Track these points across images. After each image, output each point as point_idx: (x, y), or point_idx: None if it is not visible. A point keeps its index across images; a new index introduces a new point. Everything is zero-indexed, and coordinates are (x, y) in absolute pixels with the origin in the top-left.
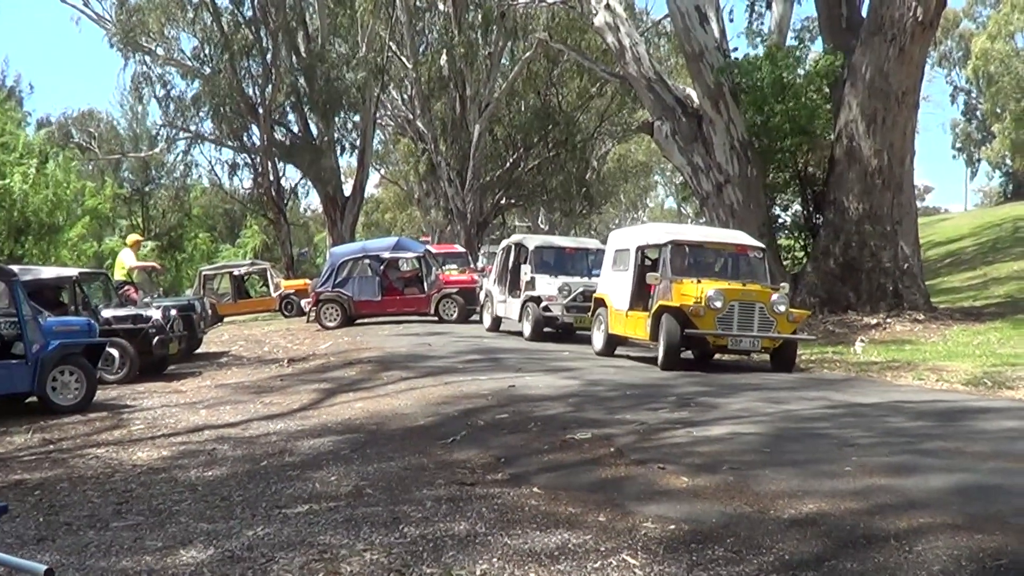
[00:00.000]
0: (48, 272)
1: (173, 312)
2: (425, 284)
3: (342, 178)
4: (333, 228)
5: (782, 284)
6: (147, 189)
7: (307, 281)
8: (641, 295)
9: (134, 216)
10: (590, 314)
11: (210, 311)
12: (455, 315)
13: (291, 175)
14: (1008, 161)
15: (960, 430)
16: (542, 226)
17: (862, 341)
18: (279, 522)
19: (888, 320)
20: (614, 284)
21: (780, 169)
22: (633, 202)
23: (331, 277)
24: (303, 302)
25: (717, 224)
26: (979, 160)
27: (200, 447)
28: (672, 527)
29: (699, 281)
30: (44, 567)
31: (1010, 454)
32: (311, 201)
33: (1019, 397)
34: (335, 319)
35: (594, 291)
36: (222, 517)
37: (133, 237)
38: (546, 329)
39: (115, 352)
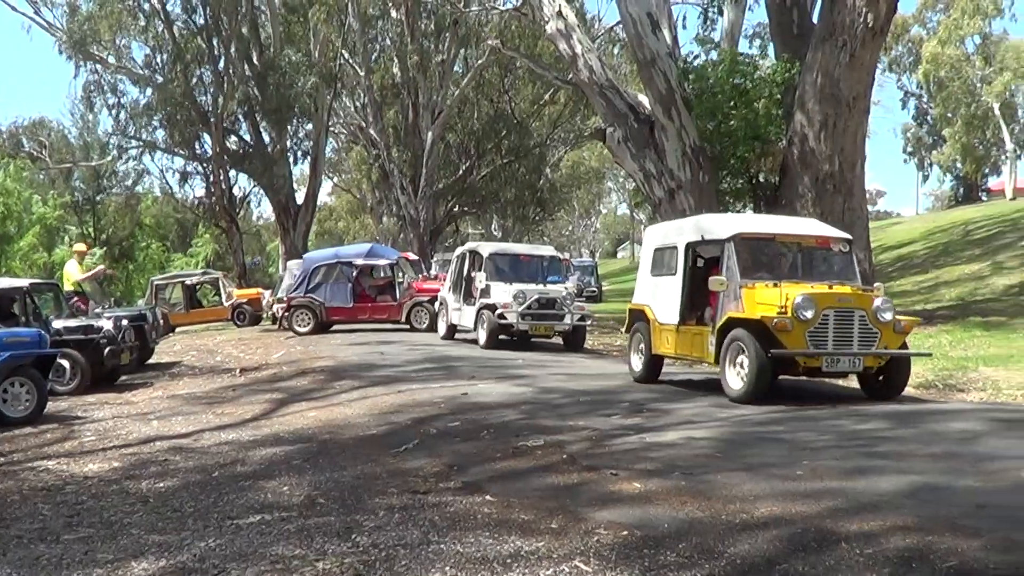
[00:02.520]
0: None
1: (124, 322)
2: (397, 292)
3: (294, 186)
4: (286, 237)
5: (876, 285)
6: (98, 198)
7: (260, 290)
8: (694, 305)
9: (85, 225)
10: (624, 330)
11: (162, 321)
12: (426, 323)
13: (243, 184)
14: (959, 165)
15: (912, 433)
16: (495, 233)
17: None
18: (231, 533)
19: None
20: (656, 292)
21: (733, 175)
22: (586, 208)
23: (304, 282)
24: (275, 307)
25: None
26: (930, 164)
27: (152, 458)
28: (625, 533)
29: (776, 284)
30: None
31: (961, 456)
32: (263, 210)
33: (970, 399)
34: (307, 325)
35: (551, 298)
36: (174, 529)
37: (78, 247)
38: (501, 337)
39: (66, 363)
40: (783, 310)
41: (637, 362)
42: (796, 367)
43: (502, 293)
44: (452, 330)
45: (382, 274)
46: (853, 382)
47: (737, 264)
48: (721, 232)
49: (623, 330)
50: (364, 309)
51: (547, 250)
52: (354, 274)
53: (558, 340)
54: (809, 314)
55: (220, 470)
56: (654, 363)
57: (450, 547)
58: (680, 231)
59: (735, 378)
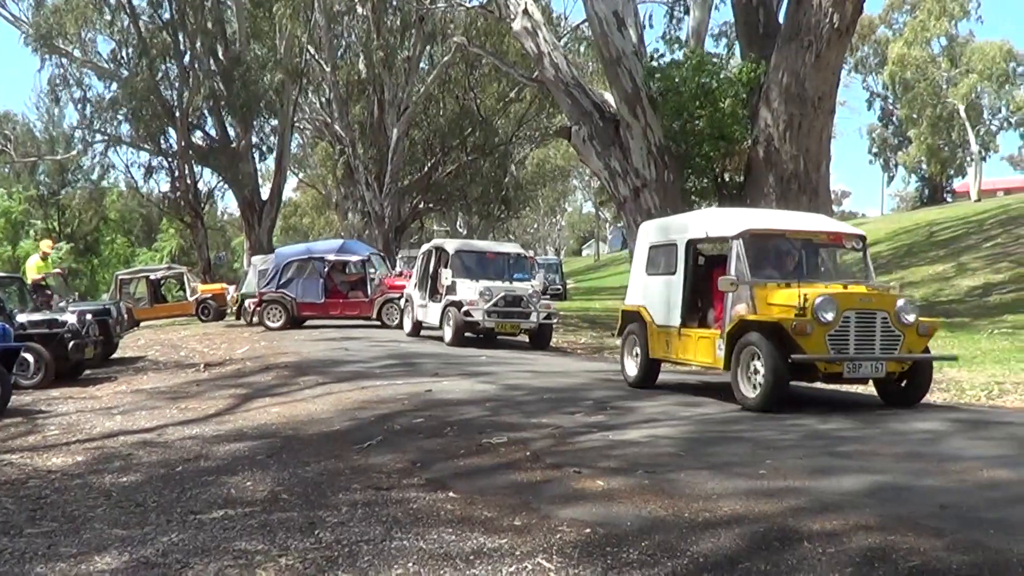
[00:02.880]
0: None
1: (89, 317)
2: (369, 288)
3: (260, 182)
4: (251, 232)
5: (892, 284)
6: (63, 192)
7: (224, 285)
8: (695, 306)
9: (50, 220)
10: (616, 333)
11: (126, 316)
12: (397, 320)
13: (208, 179)
14: (924, 166)
15: (875, 433)
16: (460, 230)
17: None
18: (194, 528)
19: None
20: (653, 292)
21: (698, 174)
22: (552, 206)
23: (275, 278)
24: (248, 302)
25: (635, 229)
26: (896, 165)
27: (115, 453)
28: (587, 530)
29: (788, 285)
30: None
31: (925, 456)
32: (228, 205)
33: (934, 400)
34: (278, 320)
35: (517, 296)
36: (137, 523)
37: (45, 243)
38: (467, 334)
39: (30, 357)
40: (801, 312)
41: (632, 366)
42: (814, 373)
43: (468, 290)
44: (418, 327)
45: (354, 270)
46: (853, 387)
47: (748, 262)
48: (728, 228)
49: (614, 333)
50: (336, 305)
51: (513, 247)
52: (326, 270)
53: (524, 338)
54: (830, 316)
55: (183, 465)
56: (651, 368)
57: (413, 543)
58: (681, 227)
59: (748, 385)
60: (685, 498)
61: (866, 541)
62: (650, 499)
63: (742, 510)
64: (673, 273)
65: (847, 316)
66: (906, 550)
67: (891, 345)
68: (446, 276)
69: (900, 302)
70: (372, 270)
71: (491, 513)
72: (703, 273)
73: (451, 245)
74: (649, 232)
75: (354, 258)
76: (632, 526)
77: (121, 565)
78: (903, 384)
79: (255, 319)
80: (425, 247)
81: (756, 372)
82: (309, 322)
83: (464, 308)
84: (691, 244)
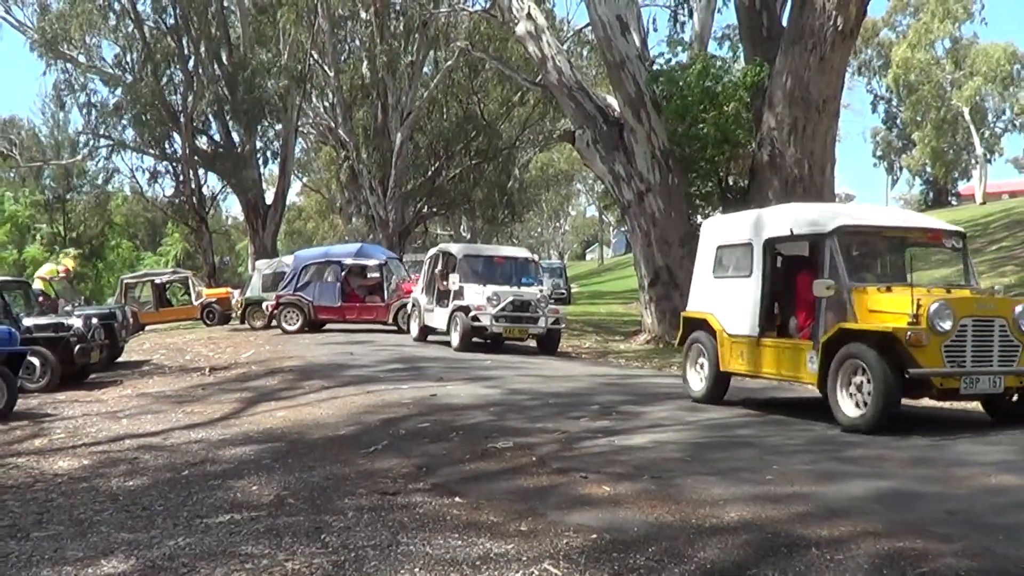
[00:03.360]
0: None
1: (95, 320)
2: (386, 292)
3: (264, 186)
4: (255, 236)
5: (997, 287)
6: (68, 197)
7: (229, 290)
8: (772, 313)
9: (55, 224)
10: (677, 343)
11: (132, 319)
12: None
13: (213, 183)
14: (928, 169)
15: (882, 439)
16: (464, 234)
17: None
18: (200, 532)
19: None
20: (723, 298)
21: (702, 178)
22: (555, 210)
23: (293, 280)
24: (265, 304)
25: (639, 233)
26: (900, 168)
27: (121, 456)
28: (594, 536)
29: (890, 289)
30: None
31: (931, 462)
32: (232, 209)
33: (941, 405)
34: (295, 323)
35: (525, 300)
36: (143, 527)
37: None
38: (474, 339)
39: (36, 361)
40: (915, 320)
41: (697, 380)
42: (926, 390)
43: (476, 295)
44: (425, 332)
45: (372, 274)
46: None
47: (844, 263)
48: (820, 224)
49: (676, 343)
50: (352, 309)
51: (521, 252)
52: (343, 273)
53: (532, 343)
54: (947, 325)
55: (190, 469)
56: (720, 382)
57: (419, 548)
58: (756, 225)
59: (849, 403)
60: (692, 503)
61: (874, 547)
62: (657, 504)
63: (749, 516)
64: (748, 276)
65: (964, 324)
66: (914, 556)
67: (1010, 356)
68: (453, 280)
69: (1018, 308)
70: (390, 274)
71: (497, 518)
72: (781, 276)
73: (458, 249)
74: (716, 230)
75: (371, 262)
76: (639, 532)
77: (128, 569)
78: (1015, 399)
79: (272, 322)
80: (432, 251)
81: (859, 389)
82: (331, 326)
83: (472, 313)
84: (770, 243)
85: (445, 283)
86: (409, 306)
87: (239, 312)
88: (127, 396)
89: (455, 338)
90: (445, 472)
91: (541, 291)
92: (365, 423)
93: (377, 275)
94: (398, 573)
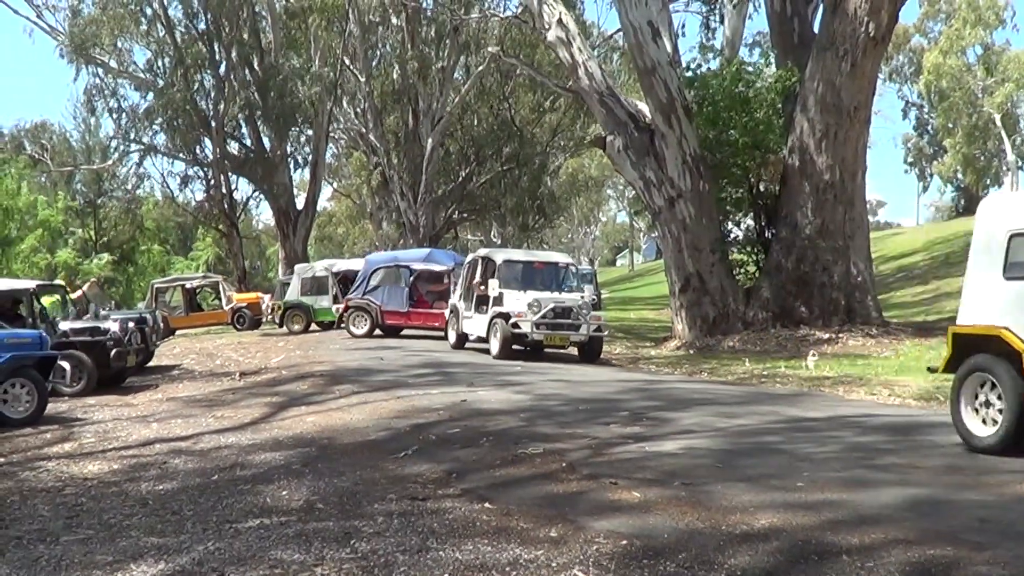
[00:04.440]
0: (6, 284)
1: (131, 325)
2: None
3: (294, 191)
4: (285, 241)
5: None
6: (99, 201)
7: (259, 294)
8: None
9: (87, 228)
10: (942, 367)
11: (162, 324)
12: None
13: (244, 188)
14: (960, 176)
15: (912, 445)
16: (495, 240)
17: (814, 356)
18: (230, 537)
19: (840, 335)
20: None
21: (733, 184)
22: (586, 216)
23: (363, 284)
24: (333, 308)
25: (669, 239)
26: (931, 175)
27: (151, 461)
28: (624, 542)
29: None
30: None
31: (963, 469)
32: (263, 214)
33: None
34: (363, 327)
35: (567, 307)
36: (173, 532)
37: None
38: (514, 346)
39: (66, 365)
40: None
41: (976, 422)
42: None
43: (516, 301)
44: (463, 339)
45: (442, 280)
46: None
47: None
48: None
49: (939, 368)
50: (419, 315)
51: (562, 257)
52: (411, 278)
53: (572, 351)
54: None
55: (219, 473)
56: None
57: (449, 554)
58: None
59: None
60: (722, 510)
61: (905, 555)
62: (687, 511)
63: (779, 523)
64: None
65: None
66: (946, 564)
67: None
68: (493, 286)
69: None
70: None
71: (527, 524)
72: None
73: (498, 255)
74: (1004, 214)
75: (439, 268)
76: (669, 538)
77: (157, 573)
78: None
79: (340, 324)
80: (470, 256)
81: None
82: (393, 332)
83: (512, 320)
84: None
85: (484, 289)
86: (447, 313)
87: (273, 316)
88: (157, 400)
89: (494, 345)
90: (475, 478)
91: (582, 297)
92: (395, 428)
93: (445, 281)
94: None
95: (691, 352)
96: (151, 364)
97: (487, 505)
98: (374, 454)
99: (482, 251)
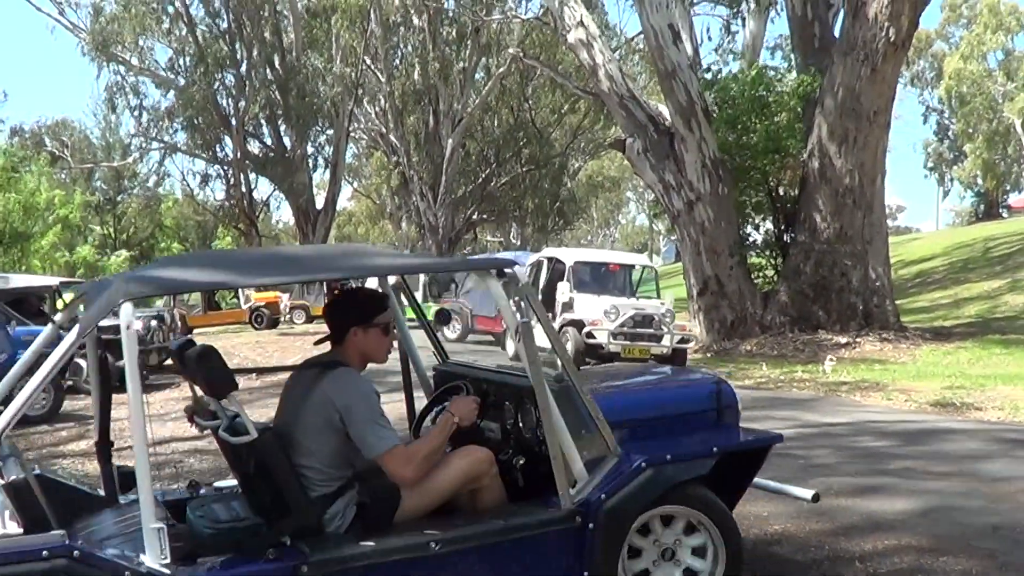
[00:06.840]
0: (30, 281)
1: (154, 323)
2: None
3: (314, 191)
4: (305, 241)
5: None
6: (119, 199)
7: (278, 294)
8: None
9: (106, 226)
10: None
11: (180, 323)
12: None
13: (263, 187)
14: (979, 181)
15: (928, 451)
16: (515, 241)
17: (831, 360)
18: None
19: (858, 339)
20: None
21: (752, 187)
22: (605, 218)
23: (458, 287)
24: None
25: (688, 243)
26: (951, 180)
27: (167, 460)
28: None
29: None
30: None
31: (976, 475)
32: (283, 214)
33: (987, 418)
34: (456, 330)
35: (647, 315)
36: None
37: None
38: (588, 359)
39: (83, 362)
40: None
41: None
42: None
43: (590, 308)
44: None
45: None
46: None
47: None
48: None
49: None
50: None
51: (639, 258)
52: None
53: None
54: None
55: None
56: None
57: None
58: None
59: None
60: (735, 516)
61: (918, 562)
62: None
63: (792, 528)
64: None
65: None
66: (959, 571)
67: None
68: (563, 291)
69: None
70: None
71: None
72: None
73: (568, 255)
74: None
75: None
76: None
77: None
78: None
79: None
80: (535, 257)
81: None
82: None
83: (585, 328)
84: None
85: (554, 294)
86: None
87: (287, 315)
88: (173, 399)
89: None
90: None
91: (663, 303)
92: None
93: None
94: None
95: (709, 355)
96: (168, 362)
97: None
98: None
99: (548, 251)
